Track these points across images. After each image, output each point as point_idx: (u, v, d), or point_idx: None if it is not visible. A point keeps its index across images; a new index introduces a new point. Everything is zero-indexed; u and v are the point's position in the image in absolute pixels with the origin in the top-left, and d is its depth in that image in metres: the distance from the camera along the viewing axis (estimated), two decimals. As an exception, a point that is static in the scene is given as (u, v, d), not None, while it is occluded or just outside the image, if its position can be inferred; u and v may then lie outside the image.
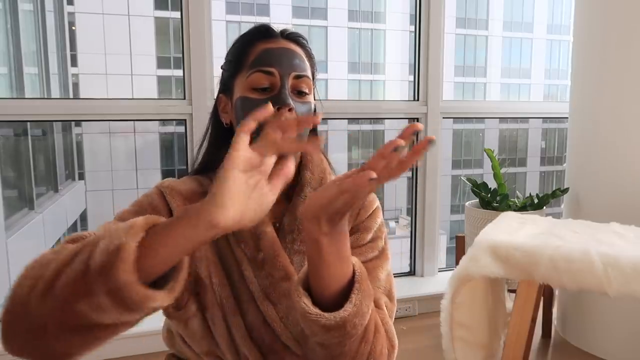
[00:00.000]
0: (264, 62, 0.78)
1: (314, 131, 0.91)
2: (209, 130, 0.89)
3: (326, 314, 0.64)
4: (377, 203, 0.89)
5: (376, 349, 0.71)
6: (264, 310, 0.77)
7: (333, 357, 0.69)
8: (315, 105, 0.86)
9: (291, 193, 0.86)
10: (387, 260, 0.85)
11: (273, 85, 0.78)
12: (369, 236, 0.85)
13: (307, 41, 0.85)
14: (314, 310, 0.65)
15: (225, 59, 0.86)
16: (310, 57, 0.84)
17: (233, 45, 0.85)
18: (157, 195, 0.79)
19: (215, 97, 0.90)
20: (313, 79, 0.84)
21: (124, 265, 0.52)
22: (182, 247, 0.55)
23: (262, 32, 0.82)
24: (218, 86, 0.89)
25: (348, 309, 0.65)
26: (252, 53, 0.80)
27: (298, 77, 0.79)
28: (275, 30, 0.82)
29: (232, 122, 0.84)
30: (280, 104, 0.77)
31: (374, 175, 0.55)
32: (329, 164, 0.90)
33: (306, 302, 0.65)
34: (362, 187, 0.56)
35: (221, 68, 0.88)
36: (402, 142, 0.55)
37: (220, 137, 0.87)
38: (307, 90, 0.81)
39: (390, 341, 0.75)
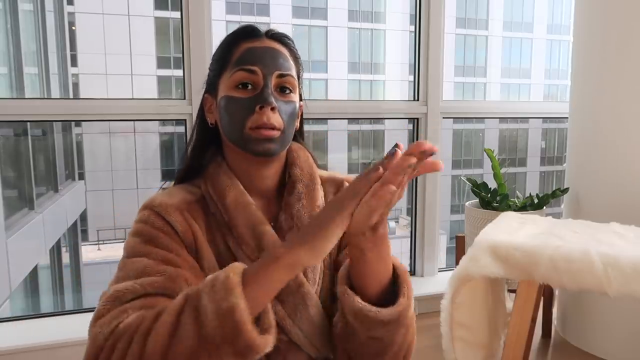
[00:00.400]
0: (247, 60, 0.79)
1: (301, 132, 0.92)
2: (195, 132, 0.88)
3: (384, 310, 0.69)
4: None
5: (414, 334, 0.77)
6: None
7: (385, 346, 0.73)
8: (300, 106, 0.86)
9: (282, 191, 0.86)
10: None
11: (256, 84, 0.79)
12: None
13: (292, 41, 0.85)
14: (372, 307, 0.69)
15: (212, 59, 0.86)
16: (295, 57, 0.84)
17: (219, 45, 0.85)
18: (155, 216, 0.77)
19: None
20: (298, 79, 0.84)
21: (247, 327, 0.56)
22: (277, 289, 0.61)
23: (247, 32, 0.82)
24: (204, 86, 0.88)
25: (402, 302, 0.70)
26: (236, 52, 0.80)
27: (281, 75, 0.79)
28: (261, 30, 0.82)
29: (217, 122, 0.84)
30: (262, 102, 0.77)
31: (393, 188, 0.59)
32: (314, 158, 0.91)
33: (360, 301, 0.70)
34: (387, 200, 0.60)
35: (209, 69, 0.88)
36: (413, 160, 0.59)
37: (206, 137, 0.86)
38: (290, 88, 0.81)
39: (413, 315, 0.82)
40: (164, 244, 0.74)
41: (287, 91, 0.81)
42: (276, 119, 0.78)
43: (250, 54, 0.79)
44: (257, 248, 0.78)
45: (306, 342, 0.78)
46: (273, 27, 0.84)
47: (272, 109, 0.78)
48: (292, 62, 0.82)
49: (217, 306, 0.57)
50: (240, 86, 0.79)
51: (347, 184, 0.90)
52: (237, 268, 0.61)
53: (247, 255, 0.78)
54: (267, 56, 0.79)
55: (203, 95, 0.87)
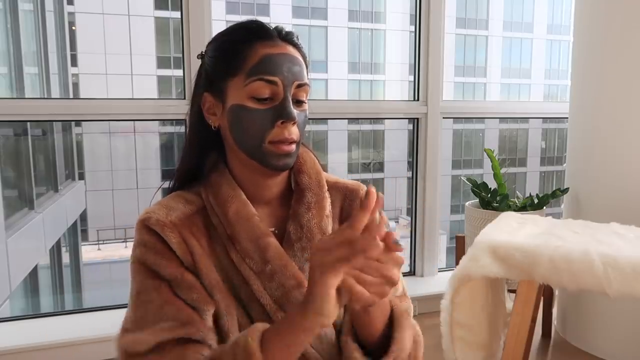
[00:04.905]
0: (267, 70, 0.74)
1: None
2: (193, 133, 0.83)
3: None
4: None
5: (418, 356, 0.79)
6: (277, 321, 0.76)
7: None
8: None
9: (288, 197, 0.84)
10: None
11: (275, 95, 0.75)
12: None
13: (298, 39, 0.81)
14: None
15: (212, 53, 0.80)
16: (305, 59, 0.81)
17: (221, 40, 0.80)
18: (154, 238, 0.75)
19: (194, 92, 0.83)
20: None
21: None
22: (298, 352, 0.63)
23: (259, 32, 0.77)
24: (199, 80, 0.82)
25: (394, 349, 0.72)
26: (250, 56, 0.75)
27: (299, 85, 0.77)
28: (270, 28, 0.78)
29: (222, 128, 0.80)
30: (285, 117, 0.74)
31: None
32: (320, 163, 0.89)
33: (358, 357, 0.72)
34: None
35: (198, 57, 0.83)
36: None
37: (207, 140, 0.82)
38: (305, 99, 0.79)
39: (418, 338, 0.81)
40: (170, 273, 0.73)
41: (303, 101, 0.79)
42: (295, 132, 0.77)
43: (269, 63, 0.74)
44: (262, 261, 0.76)
45: (315, 356, 0.76)
46: (276, 24, 0.80)
47: (294, 123, 0.76)
48: (304, 67, 0.79)
49: None
50: (257, 97, 0.75)
51: (350, 190, 0.89)
52: (256, 332, 0.63)
53: (251, 268, 0.76)
54: (286, 65, 0.75)
55: (200, 93, 0.81)
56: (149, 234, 0.75)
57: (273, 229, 0.81)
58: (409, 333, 0.74)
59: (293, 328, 0.61)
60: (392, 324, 0.74)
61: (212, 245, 0.77)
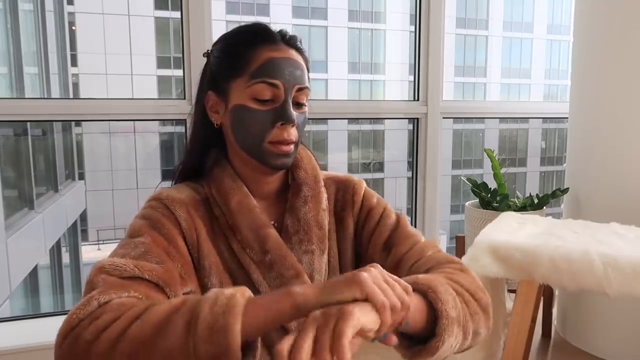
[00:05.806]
0: (269, 73, 0.77)
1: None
2: (196, 130, 0.86)
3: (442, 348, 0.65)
4: (363, 184, 0.91)
5: (470, 283, 0.73)
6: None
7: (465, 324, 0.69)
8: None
9: (285, 192, 0.86)
10: (404, 216, 0.89)
11: (276, 97, 0.78)
12: (378, 210, 0.88)
13: (301, 43, 0.84)
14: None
15: (218, 54, 0.83)
16: (306, 61, 0.83)
17: (226, 42, 0.82)
18: (162, 206, 0.78)
19: (198, 90, 0.85)
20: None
21: (235, 352, 0.55)
22: (276, 323, 0.58)
23: (263, 36, 0.79)
24: (203, 77, 0.85)
25: (439, 308, 0.64)
26: (254, 59, 0.78)
27: (300, 89, 0.79)
28: (274, 32, 0.80)
29: (224, 126, 0.82)
30: (285, 119, 0.77)
31: None
32: (315, 159, 0.91)
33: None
34: None
35: (204, 55, 0.85)
36: None
37: (210, 137, 0.85)
38: (305, 102, 0.82)
39: (461, 266, 0.78)
40: (168, 234, 0.75)
41: (303, 103, 0.81)
42: (294, 134, 0.79)
43: (272, 66, 0.77)
44: (261, 251, 0.78)
45: None
46: (280, 26, 0.82)
47: (293, 125, 0.78)
48: (306, 71, 0.81)
49: (214, 319, 0.56)
50: (258, 98, 0.78)
51: (341, 182, 0.91)
52: (245, 291, 0.60)
53: (251, 258, 0.78)
54: (288, 69, 0.78)
55: (204, 91, 0.84)
56: (159, 204, 0.78)
57: (272, 222, 0.83)
58: (440, 282, 0.67)
59: (287, 296, 0.57)
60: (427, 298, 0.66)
61: (214, 235, 0.80)
